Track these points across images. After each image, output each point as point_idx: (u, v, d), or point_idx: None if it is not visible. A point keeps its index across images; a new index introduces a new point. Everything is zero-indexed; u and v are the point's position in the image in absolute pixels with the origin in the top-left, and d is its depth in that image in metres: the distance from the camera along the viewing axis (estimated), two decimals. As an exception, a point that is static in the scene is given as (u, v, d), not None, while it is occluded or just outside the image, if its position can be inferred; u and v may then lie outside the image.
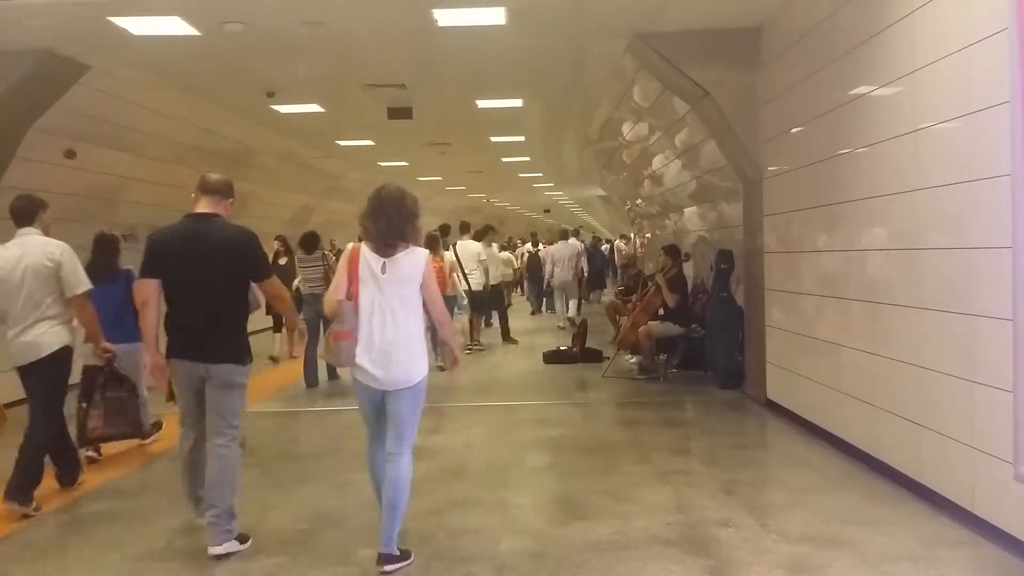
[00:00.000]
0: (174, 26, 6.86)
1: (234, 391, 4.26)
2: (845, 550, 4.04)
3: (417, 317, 4.01)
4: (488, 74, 9.44)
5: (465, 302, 11.24)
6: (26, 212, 5.05)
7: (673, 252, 9.71)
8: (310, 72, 8.88)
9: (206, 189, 4.37)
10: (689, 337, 9.23)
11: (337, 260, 6.00)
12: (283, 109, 10.78)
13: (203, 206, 4.34)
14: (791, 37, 6.59)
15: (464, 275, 11.41)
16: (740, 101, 7.38)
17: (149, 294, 4.23)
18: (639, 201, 16.06)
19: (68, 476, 5.39)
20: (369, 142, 14.25)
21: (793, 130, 6.69)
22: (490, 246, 12.83)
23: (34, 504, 4.93)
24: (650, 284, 10.14)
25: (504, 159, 17.84)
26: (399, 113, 10.47)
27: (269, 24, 7.04)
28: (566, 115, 12.45)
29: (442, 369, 5.56)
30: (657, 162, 11.87)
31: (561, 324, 14.80)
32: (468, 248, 11.86)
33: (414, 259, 3.99)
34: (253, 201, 13.38)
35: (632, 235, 21.15)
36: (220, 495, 4.15)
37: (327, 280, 8.54)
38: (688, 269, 10.16)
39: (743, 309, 8.19)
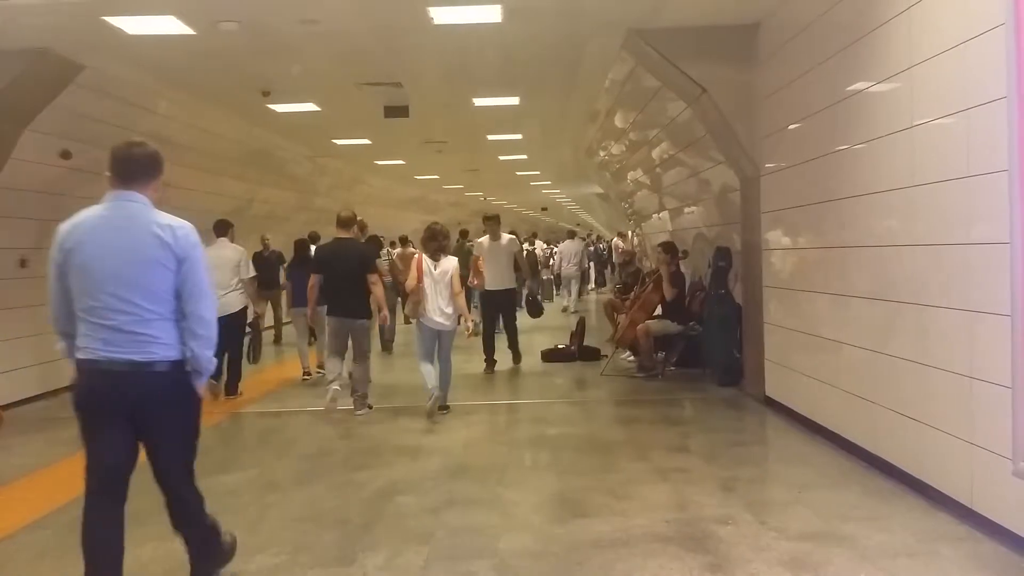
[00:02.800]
0: (169, 25, 6.85)
1: (366, 334, 7.73)
2: (844, 546, 4.04)
3: (451, 294, 7.39)
4: (484, 72, 9.42)
5: None
6: (222, 228, 8.55)
7: (670, 249, 9.70)
8: (306, 71, 8.87)
9: (341, 224, 7.76)
10: (687, 335, 9.23)
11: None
12: (279, 108, 10.77)
13: (340, 232, 7.74)
14: (788, 33, 6.58)
15: None
16: (737, 98, 7.37)
17: (314, 282, 7.76)
18: (636, 198, 16.04)
19: (234, 387, 8.61)
20: (366, 141, 14.23)
21: (791, 126, 6.68)
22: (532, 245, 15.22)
23: (240, 391, 8.64)
24: (648, 281, 10.14)
25: (501, 157, 17.82)
26: (396, 111, 10.46)
27: (264, 23, 7.03)
28: (563, 113, 12.44)
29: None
30: (654, 159, 11.85)
31: (567, 304, 18.42)
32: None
33: (450, 263, 7.48)
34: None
35: (630, 233, 21.15)
36: (361, 385, 7.69)
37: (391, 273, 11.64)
38: (686, 266, 10.16)
39: (741, 306, 8.19)
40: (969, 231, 4.18)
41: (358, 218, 8.50)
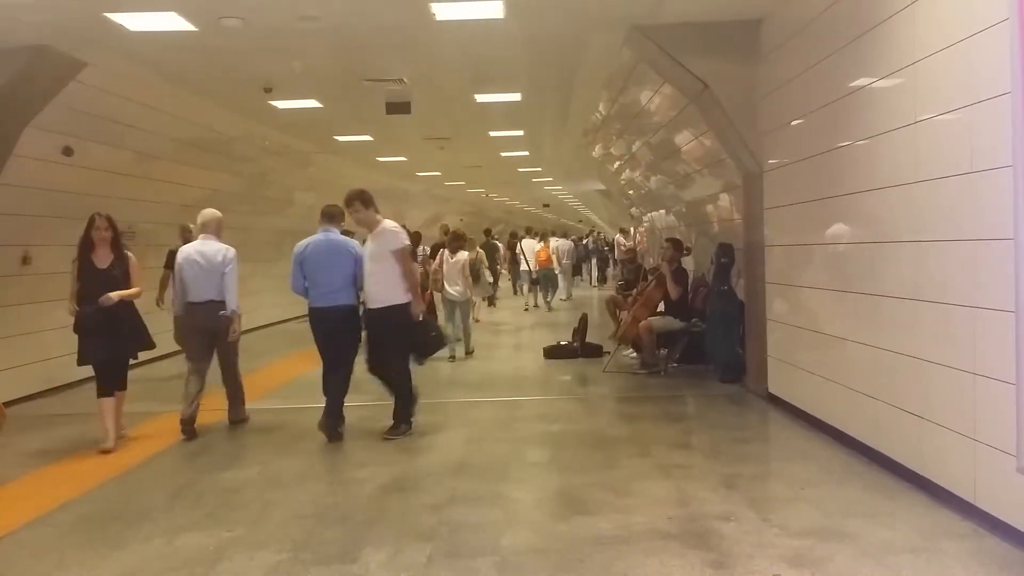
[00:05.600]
0: (171, 22, 6.83)
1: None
2: (847, 543, 4.04)
3: (463, 277, 10.83)
4: (486, 68, 9.41)
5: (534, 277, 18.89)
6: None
7: (676, 244, 9.70)
8: (308, 67, 8.86)
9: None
10: (690, 331, 9.22)
11: None
12: (281, 105, 10.76)
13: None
14: (791, 29, 6.56)
15: (526, 260, 19.19)
16: (740, 94, 7.35)
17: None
18: (638, 195, 16.03)
19: None
20: (368, 137, 14.22)
21: (793, 123, 6.67)
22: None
23: None
24: (650, 278, 10.13)
25: (503, 153, 17.79)
26: (397, 108, 10.43)
27: (266, 19, 7.01)
28: (565, 109, 12.41)
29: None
30: (657, 155, 11.84)
31: (563, 297, 20.20)
32: (529, 245, 19.36)
33: (461, 255, 10.73)
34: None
35: (632, 229, 21.17)
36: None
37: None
38: (689, 263, 10.15)
39: (744, 303, 8.18)
40: (973, 227, 4.17)
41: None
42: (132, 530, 4.63)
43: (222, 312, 6.91)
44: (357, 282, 6.74)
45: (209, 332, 7.02)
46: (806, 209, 6.50)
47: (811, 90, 6.19)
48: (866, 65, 5.29)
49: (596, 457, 5.90)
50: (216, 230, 7.21)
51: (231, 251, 7.09)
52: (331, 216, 6.96)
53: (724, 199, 9.28)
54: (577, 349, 10.79)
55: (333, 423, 6.64)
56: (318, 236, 6.84)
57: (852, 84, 5.48)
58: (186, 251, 7.11)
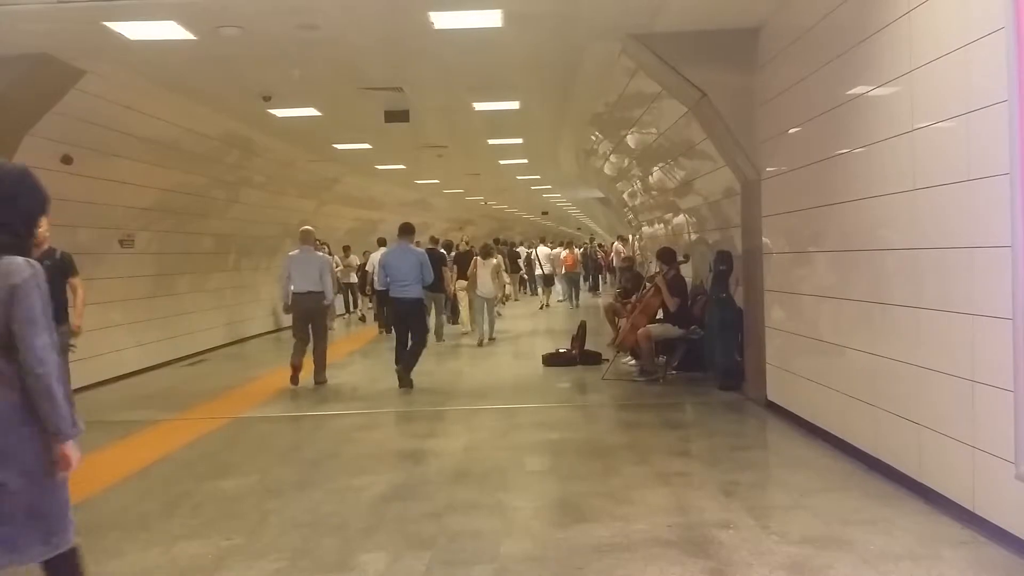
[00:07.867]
0: (170, 31, 6.86)
1: (441, 300, 13.78)
2: (846, 550, 4.03)
3: (496, 276, 13.74)
4: (485, 76, 9.44)
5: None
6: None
7: (667, 256, 9.69)
8: (306, 76, 8.88)
9: (431, 241, 15.52)
10: (688, 339, 9.22)
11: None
12: (280, 113, 10.78)
13: (430, 244, 14.71)
14: (789, 37, 6.58)
15: (541, 265, 22.48)
16: (737, 102, 7.37)
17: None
18: (637, 203, 16.05)
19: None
20: (366, 145, 14.25)
21: (791, 130, 6.68)
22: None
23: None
24: (648, 286, 10.13)
25: (502, 161, 17.82)
26: (396, 116, 10.47)
27: (265, 28, 7.03)
28: (563, 117, 12.45)
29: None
30: (654, 163, 11.86)
31: (560, 299, 22.33)
32: (544, 251, 22.76)
33: (492, 260, 13.61)
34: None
35: (630, 237, 21.20)
36: (438, 329, 13.72)
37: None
38: (687, 270, 10.15)
39: (742, 310, 8.18)
40: (970, 235, 4.17)
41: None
42: (130, 539, 4.61)
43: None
44: (423, 280, 9.34)
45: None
46: (804, 217, 6.51)
47: (809, 98, 6.21)
48: (863, 73, 5.31)
49: (595, 465, 5.89)
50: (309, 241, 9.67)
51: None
52: (405, 231, 9.69)
53: (722, 206, 9.28)
54: (576, 356, 10.78)
55: (407, 376, 9.21)
56: (396, 247, 9.76)
57: (849, 92, 5.50)
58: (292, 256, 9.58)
